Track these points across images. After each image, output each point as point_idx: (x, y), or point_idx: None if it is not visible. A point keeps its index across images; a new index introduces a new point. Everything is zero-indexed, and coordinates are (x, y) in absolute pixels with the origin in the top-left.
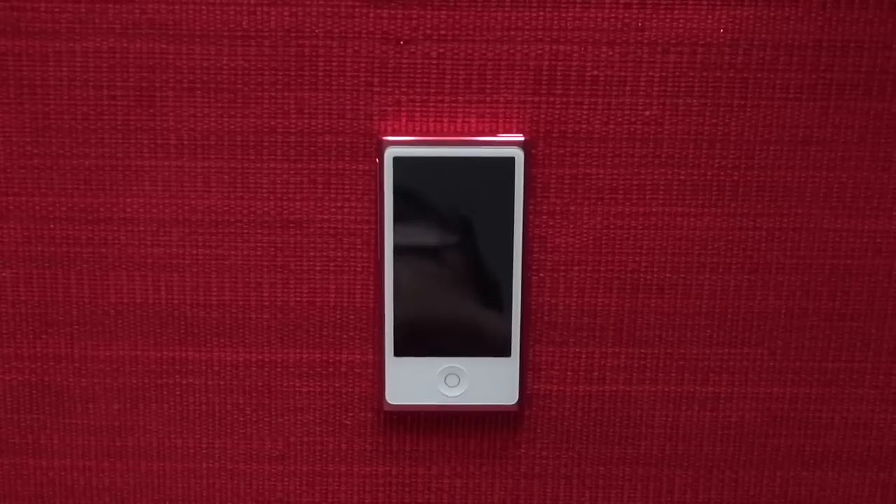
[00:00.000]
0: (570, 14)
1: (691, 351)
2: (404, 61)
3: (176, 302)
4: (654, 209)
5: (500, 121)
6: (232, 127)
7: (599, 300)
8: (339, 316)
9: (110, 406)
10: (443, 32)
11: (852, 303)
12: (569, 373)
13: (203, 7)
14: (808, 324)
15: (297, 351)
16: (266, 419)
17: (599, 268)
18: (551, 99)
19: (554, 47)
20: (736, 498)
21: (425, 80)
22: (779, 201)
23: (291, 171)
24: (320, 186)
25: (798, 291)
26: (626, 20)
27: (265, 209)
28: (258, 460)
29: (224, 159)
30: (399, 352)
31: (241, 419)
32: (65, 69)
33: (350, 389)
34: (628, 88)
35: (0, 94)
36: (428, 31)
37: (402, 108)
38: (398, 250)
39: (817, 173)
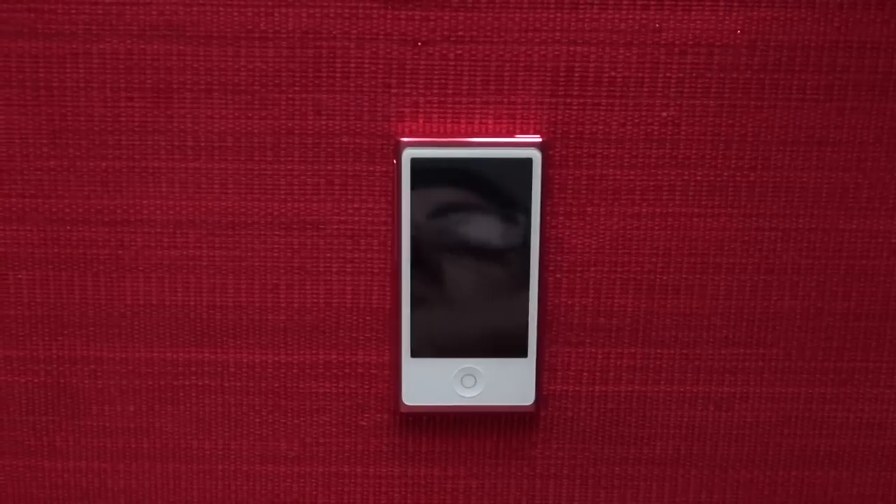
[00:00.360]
0: (588, 15)
1: (707, 351)
2: (422, 63)
3: (192, 303)
4: (670, 210)
5: (518, 122)
6: (249, 128)
7: (616, 301)
8: (355, 317)
9: (126, 408)
10: (460, 34)
11: (867, 303)
12: (585, 373)
13: (220, 8)
14: (823, 324)
15: (314, 352)
16: (282, 420)
17: (616, 268)
18: (568, 100)
19: (571, 48)
20: (751, 498)
21: (443, 81)
22: (794, 202)
23: (308, 173)
24: (337, 188)
25: (813, 292)
26: (644, 21)
27: (282, 211)
28: (274, 461)
29: (241, 161)
30: (415, 353)
31: (257, 420)
32: (81, 71)
33: (366, 390)
34: (645, 90)
35: (17, 95)
36: (445, 33)
37: (420, 110)
38: (415, 251)
39: (833, 174)
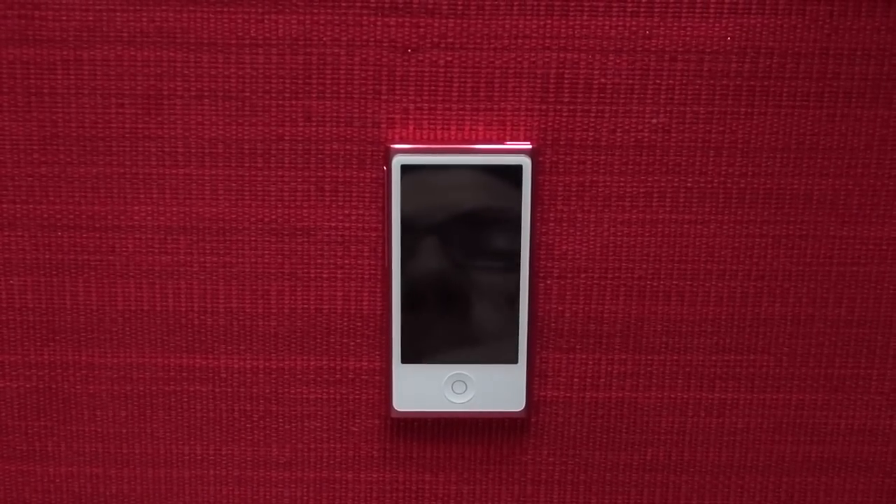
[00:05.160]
0: (578, 22)
1: (697, 358)
2: (412, 69)
3: (183, 309)
4: (660, 216)
5: (508, 128)
6: (239, 135)
7: (606, 307)
8: (346, 323)
9: (117, 413)
10: (450, 40)
11: (858, 309)
12: (575, 379)
13: (211, 15)
14: (814, 330)
15: (305, 358)
16: (273, 426)
17: (606, 275)
18: (558, 107)
19: (561, 55)
20: None
21: (433, 87)
22: (785, 208)
23: (299, 179)
24: (328, 194)
25: (804, 298)
26: (634, 28)
27: (272, 217)
28: (265, 467)
29: (231, 167)
30: (406, 359)
31: (249, 426)
32: (72, 77)
33: (357, 396)
34: (635, 96)
35: (8, 101)
36: (435, 40)
37: (410, 116)
38: (405, 257)
39: (824, 181)
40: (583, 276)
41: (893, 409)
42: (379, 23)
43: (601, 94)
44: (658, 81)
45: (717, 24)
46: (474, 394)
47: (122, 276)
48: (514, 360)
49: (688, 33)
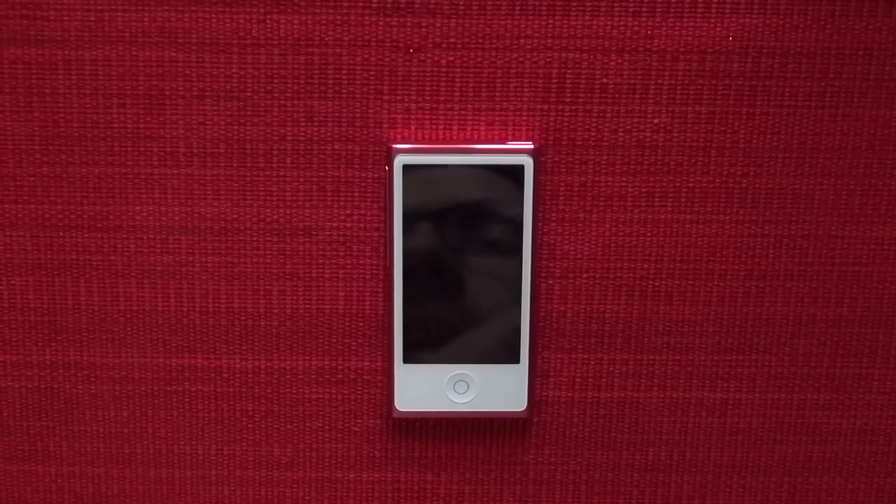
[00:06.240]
0: (580, 22)
1: (699, 357)
2: (414, 69)
3: (185, 309)
4: (662, 216)
5: (510, 128)
6: (241, 135)
7: (608, 307)
8: (348, 323)
9: (119, 413)
10: (452, 40)
11: (860, 309)
12: (577, 379)
13: (212, 15)
14: (816, 330)
15: (306, 358)
16: (275, 426)
17: (608, 275)
18: (560, 107)
19: (563, 55)
20: None
21: (435, 87)
22: (787, 208)
23: (301, 179)
24: (329, 194)
25: (806, 298)
26: (635, 28)
27: (274, 217)
28: (267, 467)
29: (233, 167)
30: (408, 358)
31: (250, 426)
32: (74, 77)
33: (359, 396)
34: (637, 96)
35: (9, 101)
36: (437, 40)
37: (412, 116)
38: (407, 257)
39: (825, 180)
40: (584, 275)
41: (895, 408)
42: (381, 23)
43: (603, 94)
44: (660, 81)
45: (718, 24)
46: (476, 394)
47: (123, 276)
48: (516, 360)
49: (689, 33)
